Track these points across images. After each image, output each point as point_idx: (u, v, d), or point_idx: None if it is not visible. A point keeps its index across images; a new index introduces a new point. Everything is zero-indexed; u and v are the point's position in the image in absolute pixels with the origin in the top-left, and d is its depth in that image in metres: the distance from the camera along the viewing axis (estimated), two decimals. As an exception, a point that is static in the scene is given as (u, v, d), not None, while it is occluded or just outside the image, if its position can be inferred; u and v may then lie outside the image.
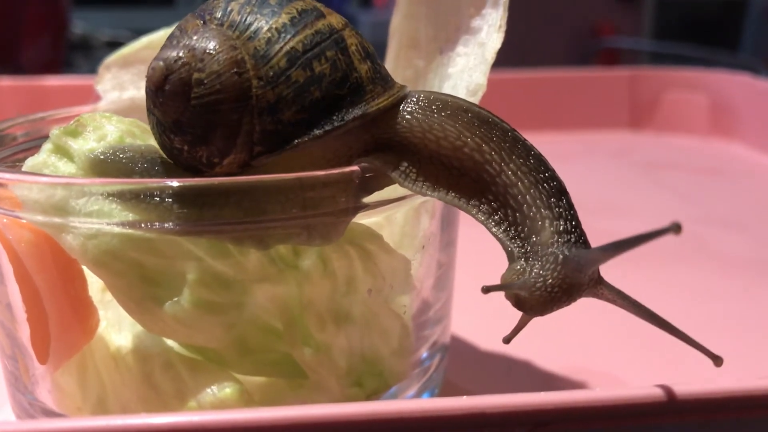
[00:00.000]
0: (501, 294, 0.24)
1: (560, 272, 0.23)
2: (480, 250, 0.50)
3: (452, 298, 0.33)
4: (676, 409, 0.20)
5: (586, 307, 0.43)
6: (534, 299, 0.23)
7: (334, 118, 0.24)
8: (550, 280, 0.23)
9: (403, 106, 0.25)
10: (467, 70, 0.29)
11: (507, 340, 0.24)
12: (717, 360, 0.23)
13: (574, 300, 0.24)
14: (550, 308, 0.24)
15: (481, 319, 0.40)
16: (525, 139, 0.26)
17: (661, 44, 1.69)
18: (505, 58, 0.30)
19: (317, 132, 0.24)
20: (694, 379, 0.35)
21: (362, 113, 0.25)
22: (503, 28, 0.29)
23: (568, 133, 0.85)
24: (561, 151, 0.81)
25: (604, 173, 0.74)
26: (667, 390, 0.20)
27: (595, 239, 0.55)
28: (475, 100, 0.28)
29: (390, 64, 0.34)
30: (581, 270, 0.24)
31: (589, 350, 0.38)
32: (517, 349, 0.37)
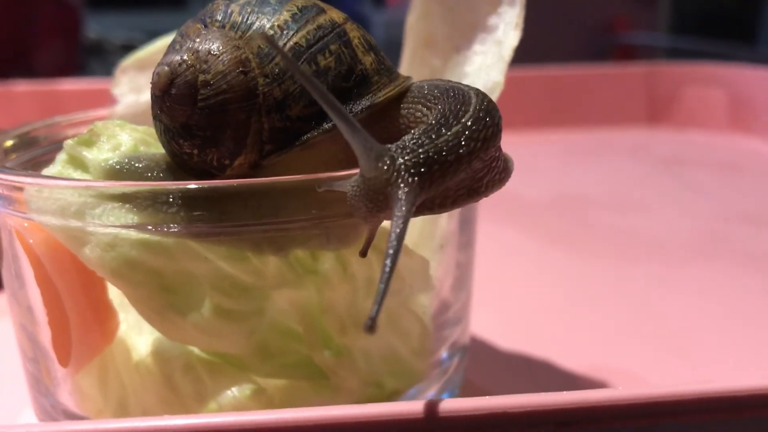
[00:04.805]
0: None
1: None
2: (499, 251, 0.50)
3: (471, 299, 0.33)
4: (699, 408, 0.20)
5: (605, 305, 0.42)
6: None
7: None
8: None
9: (408, 96, 0.25)
10: (484, 69, 0.29)
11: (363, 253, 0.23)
12: None
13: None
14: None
15: (500, 320, 0.40)
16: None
17: (678, 39, 1.68)
18: (520, 56, 0.29)
19: (326, 126, 0.24)
20: (715, 377, 0.34)
21: (370, 104, 0.25)
22: (520, 26, 0.29)
23: (586, 129, 0.84)
24: (579, 147, 0.81)
25: (621, 169, 0.73)
26: (690, 388, 0.20)
27: (614, 236, 0.55)
28: (493, 98, 0.28)
29: (406, 63, 0.34)
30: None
31: (609, 349, 0.37)
32: (536, 349, 0.37)
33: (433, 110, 0.24)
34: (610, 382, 0.34)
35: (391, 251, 0.20)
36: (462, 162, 0.22)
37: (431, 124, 0.22)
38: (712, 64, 0.86)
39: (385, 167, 0.21)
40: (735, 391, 0.20)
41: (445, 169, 0.21)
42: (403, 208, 0.21)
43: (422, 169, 0.21)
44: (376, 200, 0.21)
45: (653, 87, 0.86)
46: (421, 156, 0.21)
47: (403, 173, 0.21)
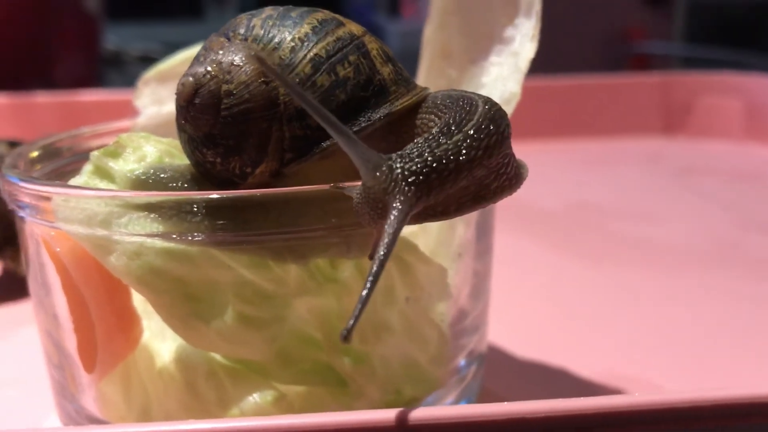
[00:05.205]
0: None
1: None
2: (514, 260, 0.51)
3: (488, 307, 0.33)
4: (717, 414, 0.20)
5: (621, 314, 0.43)
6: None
7: (361, 118, 0.25)
8: None
9: (423, 106, 0.26)
10: (501, 79, 0.30)
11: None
12: None
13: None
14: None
15: (517, 329, 0.40)
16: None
17: (694, 48, 1.68)
18: (535, 65, 0.30)
19: None
20: (731, 384, 0.35)
21: (388, 112, 0.25)
22: (536, 38, 0.29)
23: (601, 139, 0.85)
24: (594, 157, 0.81)
25: (637, 179, 0.73)
26: (709, 394, 0.20)
27: (629, 246, 0.55)
28: (509, 108, 0.29)
29: (423, 74, 0.35)
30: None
31: (625, 358, 0.37)
32: (553, 358, 0.37)
33: (441, 119, 0.24)
34: (628, 390, 0.34)
35: (378, 260, 0.21)
36: (461, 170, 0.22)
37: (433, 133, 0.23)
38: (727, 73, 0.86)
39: (384, 176, 0.22)
40: (753, 397, 0.21)
41: (444, 177, 0.22)
42: (394, 218, 0.21)
43: (420, 178, 0.22)
44: (377, 208, 0.22)
45: (668, 96, 0.86)
46: (419, 164, 0.22)
47: (400, 182, 0.22)
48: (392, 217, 0.21)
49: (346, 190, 0.23)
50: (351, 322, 0.20)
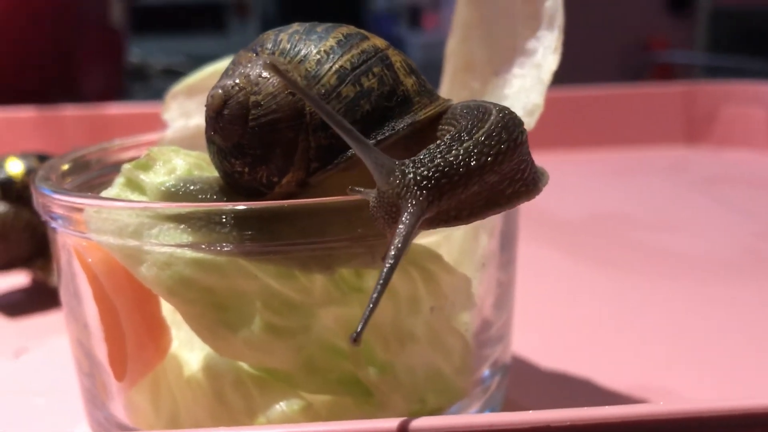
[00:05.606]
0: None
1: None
2: (538, 270, 0.51)
3: (512, 318, 0.33)
4: (743, 423, 0.20)
5: (644, 324, 0.42)
6: None
7: (385, 128, 0.25)
8: None
9: (444, 117, 0.26)
10: (524, 91, 0.30)
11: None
12: None
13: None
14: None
15: (540, 339, 0.40)
16: None
17: (716, 57, 1.67)
18: (557, 76, 0.30)
19: (370, 142, 0.25)
20: (757, 393, 0.34)
21: (412, 121, 0.26)
22: (559, 50, 0.29)
23: (624, 149, 0.84)
24: (616, 167, 0.81)
25: (660, 189, 0.73)
26: (735, 404, 0.20)
27: (653, 256, 0.55)
28: (532, 120, 0.29)
29: (446, 87, 0.35)
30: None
31: (649, 368, 0.37)
32: (577, 368, 0.37)
33: (456, 128, 0.25)
34: (652, 400, 0.34)
35: (389, 263, 0.21)
36: (472, 176, 0.23)
37: (446, 139, 0.24)
38: (751, 82, 0.85)
39: (397, 181, 0.22)
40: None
41: (455, 182, 0.22)
42: (407, 221, 0.22)
43: (431, 183, 0.22)
44: (391, 212, 0.23)
45: (691, 106, 0.86)
46: (431, 169, 0.22)
47: (412, 186, 0.22)
48: (404, 220, 0.22)
49: (363, 194, 0.23)
50: (361, 324, 0.21)
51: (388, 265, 0.21)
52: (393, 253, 0.21)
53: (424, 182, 0.22)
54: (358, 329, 0.21)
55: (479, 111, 0.25)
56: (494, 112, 0.24)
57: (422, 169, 0.22)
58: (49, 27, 0.97)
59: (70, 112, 0.83)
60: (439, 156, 0.23)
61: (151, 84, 1.34)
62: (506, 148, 0.23)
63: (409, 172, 0.22)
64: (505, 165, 0.23)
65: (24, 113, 0.82)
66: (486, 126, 0.24)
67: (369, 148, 0.23)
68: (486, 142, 0.23)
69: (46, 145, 0.69)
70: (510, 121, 0.24)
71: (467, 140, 0.23)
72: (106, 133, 0.78)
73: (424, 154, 0.23)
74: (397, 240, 0.22)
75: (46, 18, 0.96)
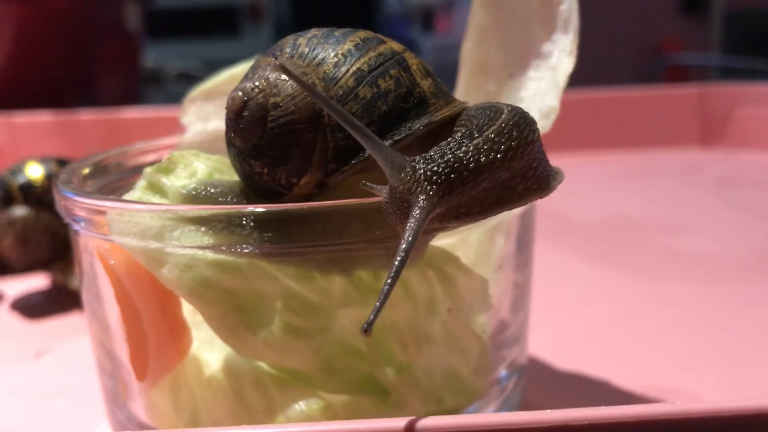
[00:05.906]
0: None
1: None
2: (553, 272, 0.51)
3: (529, 319, 0.33)
4: (759, 423, 0.20)
5: (659, 325, 0.42)
6: None
7: (402, 128, 0.26)
8: None
9: (458, 118, 0.27)
10: (539, 94, 0.30)
11: None
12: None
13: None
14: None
15: (556, 341, 0.40)
16: None
17: (730, 59, 1.66)
18: (571, 78, 0.30)
19: (387, 143, 0.25)
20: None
21: (428, 122, 0.26)
22: (574, 53, 0.29)
23: (638, 151, 0.84)
24: (631, 169, 0.81)
25: (675, 191, 0.73)
26: (752, 403, 0.20)
27: (668, 258, 0.55)
28: (548, 122, 0.29)
29: (461, 89, 0.35)
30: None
31: (666, 369, 0.37)
32: (593, 370, 0.37)
33: (467, 127, 0.25)
34: (667, 400, 0.34)
35: (399, 256, 0.22)
36: (481, 172, 0.23)
37: (457, 137, 0.24)
38: (765, 84, 0.85)
39: (408, 177, 0.23)
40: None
41: (464, 178, 0.23)
42: (417, 215, 0.22)
43: (441, 178, 0.23)
44: (402, 207, 0.23)
45: (706, 108, 0.86)
46: (441, 165, 0.23)
47: (422, 182, 0.23)
48: (415, 215, 0.22)
49: (375, 191, 0.24)
50: (371, 316, 0.21)
51: (398, 259, 0.22)
52: (403, 246, 0.22)
53: (434, 178, 0.23)
54: (370, 319, 0.21)
55: (491, 110, 0.25)
56: (506, 111, 0.25)
57: (432, 165, 0.23)
58: (66, 32, 0.98)
59: (87, 116, 0.84)
60: (449, 152, 0.23)
61: (166, 88, 1.35)
62: (516, 145, 0.24)
63: (420, 168, 0.23)
64: (516, 162, 0.24)
65: (42, 118, 0.83)
66: (497, 124, 0.24)
67: (380, 146, 0.23)
68: (496, 140, 0.24)
69: (63, 149, 0.69)
70: (521, 120, 0.24)
71: (477, 137, 0.24)
72: (122, 137, 0.78)
73: (435, 151, 0.23)
74: (407, 234, 0.22)
75: (62, 23, 0.97)
